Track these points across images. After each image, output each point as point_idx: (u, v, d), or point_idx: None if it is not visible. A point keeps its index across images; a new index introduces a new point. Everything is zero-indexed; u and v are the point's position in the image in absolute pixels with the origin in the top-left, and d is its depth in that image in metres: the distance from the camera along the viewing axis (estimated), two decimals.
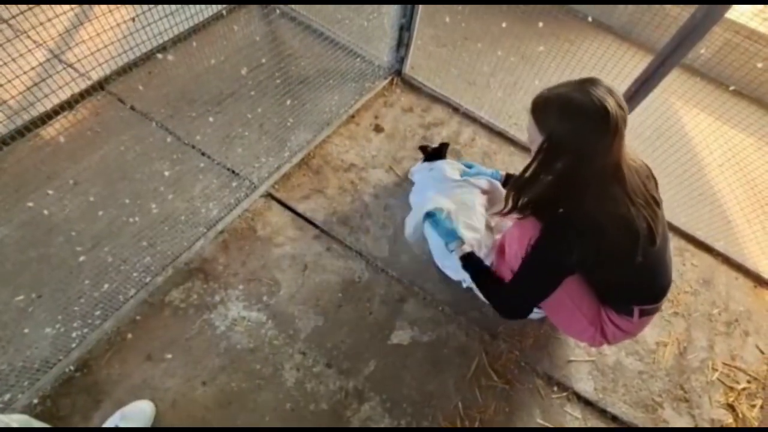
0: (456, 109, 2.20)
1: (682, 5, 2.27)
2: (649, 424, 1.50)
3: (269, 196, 1.74)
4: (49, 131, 1.65)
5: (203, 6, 1.93)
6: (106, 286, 1.38)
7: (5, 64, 1.03)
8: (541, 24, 2.51)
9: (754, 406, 1.59)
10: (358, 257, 1.66)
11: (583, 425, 1.47)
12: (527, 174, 1.12)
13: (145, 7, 1.28)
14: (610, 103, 0.96)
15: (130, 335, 1.37)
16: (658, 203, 1.13)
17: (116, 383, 1.29)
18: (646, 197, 1.09)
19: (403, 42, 2.08)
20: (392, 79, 2.24)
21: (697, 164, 2.21)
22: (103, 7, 1.28)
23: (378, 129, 2.05)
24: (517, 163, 2.05)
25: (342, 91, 2.08)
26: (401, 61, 2.18)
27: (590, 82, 1.00)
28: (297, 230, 1.68)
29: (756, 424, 1.55)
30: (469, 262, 1.40)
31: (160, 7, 1.32)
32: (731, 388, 1.62)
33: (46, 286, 1.39)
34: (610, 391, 1.54)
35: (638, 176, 1.10)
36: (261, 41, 2.18)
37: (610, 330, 1.29)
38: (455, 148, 2.06)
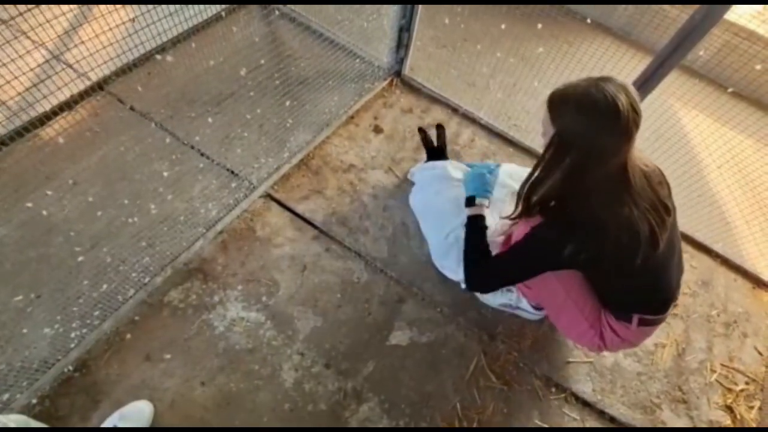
0: (455, 110, 2.20)
1: (681, 6, 2.27)
2: (648, 426, 1.50)
3: (268, 196, 1.75)
4: (48, 132, 1.65)
5: (203, 7, 1.93)
6: (105, 286, 1.39)
7: (4, 65, 1.03)
8: (540, 25, 2.51)
9: (752, 407, 1.59)
10: (357, 258, 1.66)
11: (581, 426, 1.47)
12: (538, 170, 1.11)
13: (144, 8, 1.28)
14: (622, 102, 0.96)
15: (128, 335, 1.37)
16: (667, 210, 1.12)
17: (115, 383, 1.29)
18: (653, 202, 1.08)
19: (402, 43, 2.09)
20: (392, 80, 2.24)
21: (696, 165, 2.22)
22: (103, 8, 1.28)
23: (377, 130, 2.05)
24: (517, 164, 2.05)
25: (341, 92, 2.08)
26: (401, 62, 2.18)
27: (606, 79, 1.00)
28: (296, 231, 1.68)
29: (754, 426, 1.55)
30: (475, 222, 1.41)
31: (159, 8, 1.33)
32: (729, 390, 1.62)
33: (45, 286, 1.39)
34: (609, 393, 1.54)
35: (648, 181, 1.09)
36: (260, 42, 2.18)
37: (608, 335, 1.28)
38: (455, 149, 2.06)
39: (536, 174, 1.12)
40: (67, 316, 1.34)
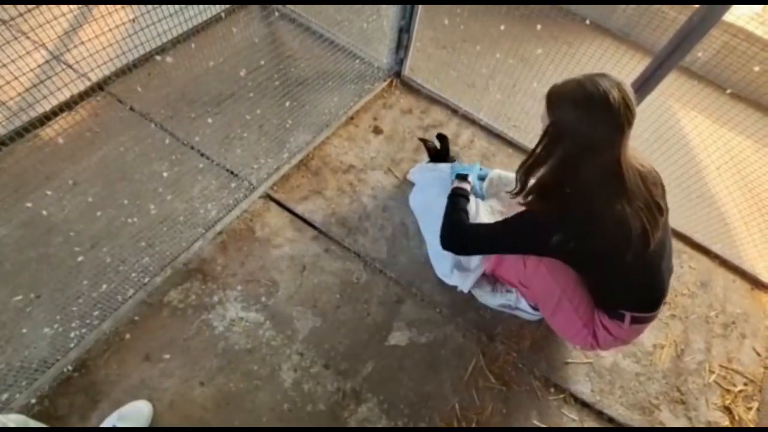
0: (455, 111, 2.20)
1: (679, 7, 2.28)
2: (646, 426, 1.50)
3: (268, 197, 1.75)
4: (48, 132, 1.65)
5: (203, 8, 1.94)
6: (104, 286, 1.39)
7: (5, 65, 1.03)
8: (539, 26, 2.52)
9: (750, 408, 1.60)
10: (356, 258, 1.66)
11: (579, 427, 1.47)
12: (533, 155, 1.15)
13: (144, 9, 1.29)
14: (614, 96, 0.99)
15: (128, 335, 1.37)
16: (661, 210, 1.14)
17: (114, 383, 1.29)
18: (647, 201, 1.10)
19: (402, 44, 2.09)
20: (391, 81, 2.24)
21: (695, 166, 2.22)
22: (103, 9, 1.28)
23: (377, 131, 2.06)
24: (516, 165, 2.05)
25: (341, 93, 2.09)
26: (400, 62, 2.19)
27: (602, 75, 1.04)
28: (295, 231, 1.69)
29: (752, 426, 1.56)
30: (458, 193, 1.46)
31: (160, 9, 1.33)
32: (728, 391, 1.62)
33: (44, 286, 1.39)
34: (607, 393, 1.54)
35: (643, 180, 1.11)
36: (260, 43, 2.19)
37: (601, 334, 1.29)
38: (454, 150, 2.06)
39: (531, 160, 1.16)
40: (66, 316, 1.34)
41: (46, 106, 1.23)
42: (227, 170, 1.75)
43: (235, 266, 1.56)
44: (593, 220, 1.08)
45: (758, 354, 1.74)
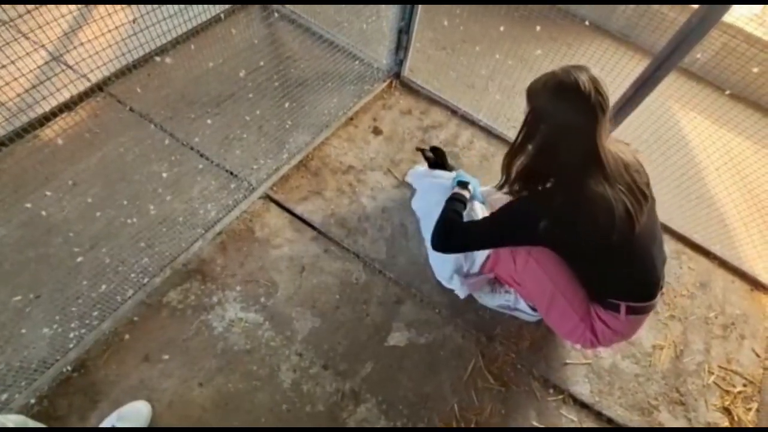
0: (454, 112, 2.21)
1: (679, 8, 2.28)
2: (645, 427, 1.50)
3: (267, 197, 1.75)
4: (48, 132, 1.66)
5: (202, 9, 1.94)
6: (104, 286, 1.39)
7: (4, 66, 1.03)
8: (538, 28, 2.52)
9: (749, 409, 1.60)
10: (355, 259, 1.66)
11: (578, 427, 1.47)
12: (514, 144, 1.23)
13: (144, 10, 1.29)
14: (584, 82, 1.05)
15: (127, 336, 1.37)
16: (645, 195, 1.17)
17: (113, 384, 1.29)
18: (629, 185, 1.14)
19: (401, 45, 2.09)
20: (391, 82, 2.24)
21: (694, 167, 2.22)
22: (103, 10, 1.28)
23: (376, 131, 2.06)
24: None
25: (341, 94, 2.09)
26: (400, 63, 2.19)
27: (576, 66, 1.10)
28: (295, 232, 1.69)
29: (751, 427, 1.56)
30: (456, 198, 1.49)
31: (159, 10, 1.33)
32: (727, 392, 1.62)
33: (44, 286, 1.40)
34: (606, 394, 1.54)
35: (625, 167, 1.16)
36: (260, 44, 2.19)
37: (599, 327, 1.29)
38: (453, 151, 2.06)
39: (512, 148, 1.24)
40: (66, 316, 1.34)
41: (46, 107, 1.24)
42: (227, 171, 1.75)
43: (234, 267, 1.56)
44: (576, 202, 1.11)
45: (757, 355, 1.74)
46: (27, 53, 1.08)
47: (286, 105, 1.95)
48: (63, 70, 1.19)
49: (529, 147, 1.19)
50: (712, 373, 1.65)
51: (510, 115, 2.23)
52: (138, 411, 1.23)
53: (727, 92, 2.63)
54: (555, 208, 1.13)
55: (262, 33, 2.26)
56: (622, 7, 2.79)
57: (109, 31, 1.21)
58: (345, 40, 2.23)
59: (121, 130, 1.76)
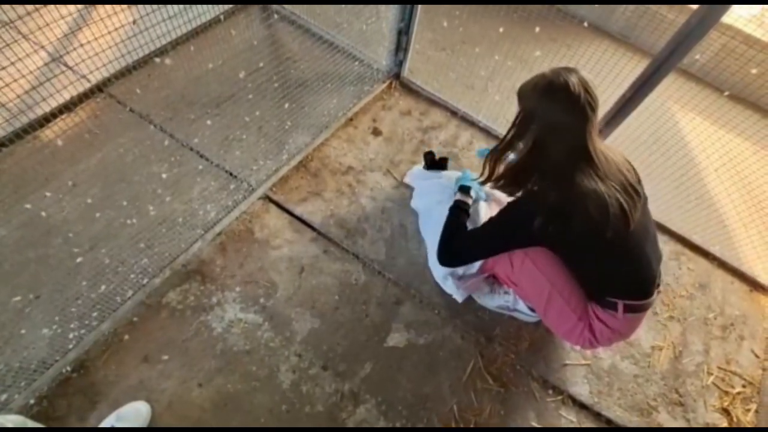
0: (454, 113, 2.21)
1: (678, 9, 2.28)
2: (645, 427, 1.50)
3: (267, 198, 1.75)
4: (48, 133, 1.66)
5: (202, 10, 1.95)
6: (103, 287, 1.39)
7: (4, 68, 1.03)
8: (537, 29, 2.53)
9: (748, 410, 1.60)
10: (354, 260, 1.67)
11: (577, 427, 1.47)
12: (503, 141, 1.25)
13: (143, 11, 1.29)
14: (573, 82, 1.08)
15: (127, 336, 1.37)
16: (637, 192, 1.19)
17: (113, 384, 1.30)
18: (622, 183, 1.16)
19: (401, 46, 2.10)
20: (390, 83, 2.25)
21: (693, 168, 2.22)
22: (103, 11, 1.29)
23: (376, 132, 2.06)
24: None
25: (340, 95, 2.09)
26: (399, 64, 2.19)
27: (565, 68, 1.13)
28: (294, 233, 1.69)
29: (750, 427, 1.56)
30: (458, 206, 1.50)
31: (159, 11, 1.33)
32: (726, 393, 1.62)
33: (43, 287, 1.40)
34: (605, 395, 1.54)
35: (615, 166, 1.17)
36: (259, 45, 2.19)
37: (598, 326, 1.29)
38: (453, 152, 2.07)
39: (501, 145, 1.26)
40: (65, 316, 1.34)
41: (46, 108, 1.25)
42: (226, 172, 1.76)
43: (233, 267, 1.56)
44: (569, 198, 1.12)
45: (757, 356, 1.74)
46: (27, 54, 1.08)
47: (286, 106, 1.95)
48: (63, 71, 1.19)
49: (519, 145, 1.22)
50: (711, 374, 1.65)
51: (509, 116, 2.20)
52: (137, 411, 1.23)
53: (726, 93, 2.63)
54: (549, 205, 1.14)
55: (261, 34, 2.26)
56: (622, 7, 2.79)
57: (109, 32, 1.21)
58: (345, 41, 2.23)
59: (121, 131, 1.77)
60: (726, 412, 1.58)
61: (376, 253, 1.69)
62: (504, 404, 1.47)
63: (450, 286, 1.60)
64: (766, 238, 2.00)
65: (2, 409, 1.17)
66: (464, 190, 1.56)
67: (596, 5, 2.84)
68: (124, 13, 1.35)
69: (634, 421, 1.51)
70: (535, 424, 1.45)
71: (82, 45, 1.17)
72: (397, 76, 2.25)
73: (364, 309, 1.57)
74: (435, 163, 1.83)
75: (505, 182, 1.30)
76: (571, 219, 1.12)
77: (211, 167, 1.76)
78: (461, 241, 1.39)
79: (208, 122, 1.87)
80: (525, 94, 1.18)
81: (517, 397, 1.49)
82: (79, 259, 1.45)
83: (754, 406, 1.61)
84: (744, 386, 1.65)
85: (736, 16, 2.26)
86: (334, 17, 2.30)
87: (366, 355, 1.48)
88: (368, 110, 2.13)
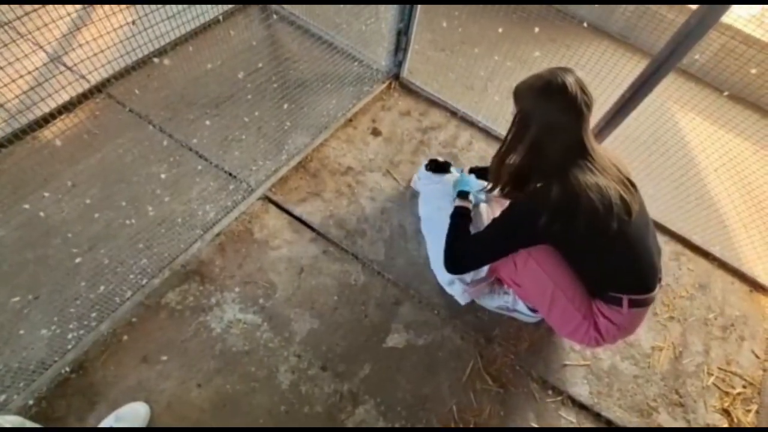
0: (453, 113, 2.21)
1: (678, 9, 2.28)
2: (644, 427, 1.50)
3: (266, 198, 1.75)
4: (47, 134, 1.66)
5: (201, 11, 1.94)
6: (102, 287, 1.39)
7: (2, 68, 1.03)
8: (537, 29, 2.53)
9: (749, 411, 1.59)
10: (354, 260, 1.66)
11: (577, 428, 1.47)
12: (504, 144, 1.26)
13: (142, 12, 1.29)
14: (570, 82, 1.10)
15: (125, 337, 1.37)
16: (633, 185, 1.21)
17: (111, 385, 1.29)
18: (619, 177, 1.18)
19: (400, 46, 2.10)
20: (390, 83, 2.25)
21: (693, 168, 2.22)
22: (102, 12, 1.29)
23: (375, 133, 2.06)
24: None
25: (340, 95, 2.09)
26: (399, 65, 2.19)
27: (561, 68, 1.14)
28: (294, 233, 1.69)
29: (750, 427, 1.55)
30: (459, 213, 1.50)
31: (159, 12, 1.33)
32: (726, 393, 1.62)
33: (42, 287, 1.40)
34: (605, 396, 1.54)
35: (609, 160, 1.19)
36: (258, 45, 2.19)
37: (603, 323, 1.29)
38: (453, 152, 2.07)
39: (502, 148, 1.27)
40: (64, 317, 1.34)
41: (45, 108, 1.24)
42: (226, 172, 1.76)
43: (233, 268, 1.56)
44: (572, 193, 1.12)
45: (757, 356, 1.74)
46: (26, 55, 1.08)
47: (285, 106, 1.95)
48: (62, 72, 1.19)
49: (519, 147, 1.22)
50: (712, 375, 1.65)
51: (509, 117, 2.21)
52: (136, 412, 1.23)
53: (726, 93, 2.63)
54: (553, 202, 1.14)
55: (260, 34, 2.26)
56: (621, 8, 2.79)
57: (108, 33, 1.21)
58: (344, 41, 2.23)
59: (120, 131, 1.77)
60: (726, 412, 1.58)
61: (376, 254, 1.69)
62: (503, 405, 1.46)
63: (456, 290, 1.59)
64: (766, 238, 2.00)
65: (1, 409, 1.17)
66: (463, 195, 1.56)
67: (596, 5, 2.84)
68: (123, 14, 1.35)
69: (634, 421, 1.50)
70: (534, 425, 1.45)
71: (81, 45, 1.17)
72: (396, 76, 2.25)
73: (363, 309, 1.56)
74: (439, 167, 1.82)
75: (510, 188, 1.31)
76: (576, 214, 1.12)
77: (211, 167, 1.76)
78: (466, 246, 1.39)
79: (207, 122, 1.87)
80: (522, 94, 1.19)
81: (516, 397, 1.49)
82: (78, 260, 1.45)
83: (754, 407, 1.60)
84: (744, 387, 1.65)
85: (735, 16, 2.25)
86: (333, 18, 2.30)
87: (365, 356, 1.47)
88: (368, 111, 2.13)
